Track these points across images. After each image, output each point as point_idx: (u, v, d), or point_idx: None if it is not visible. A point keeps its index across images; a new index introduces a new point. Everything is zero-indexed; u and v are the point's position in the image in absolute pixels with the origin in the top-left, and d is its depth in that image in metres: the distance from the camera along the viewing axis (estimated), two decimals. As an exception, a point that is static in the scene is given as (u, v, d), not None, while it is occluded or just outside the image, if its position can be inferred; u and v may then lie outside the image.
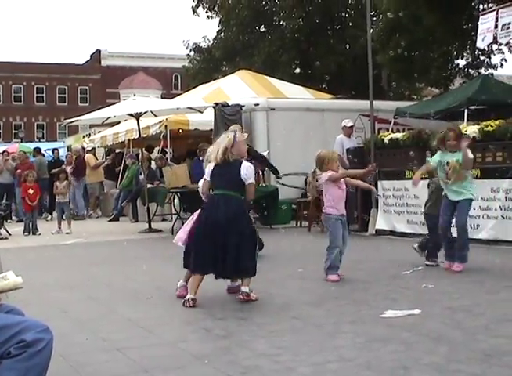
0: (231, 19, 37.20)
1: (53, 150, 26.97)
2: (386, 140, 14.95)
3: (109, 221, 21.64)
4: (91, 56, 77.02)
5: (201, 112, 18.40)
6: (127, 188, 21.43)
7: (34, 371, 3.79)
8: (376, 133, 16.28)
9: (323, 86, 35.25)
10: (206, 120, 19.08)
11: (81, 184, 23.26)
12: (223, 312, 7.18)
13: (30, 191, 17.92)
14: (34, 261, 12.44)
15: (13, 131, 68.29)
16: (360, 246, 12.16)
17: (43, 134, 65.70)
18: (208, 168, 8.00)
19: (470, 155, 9.41)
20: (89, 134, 31.46)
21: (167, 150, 22.42)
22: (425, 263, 9.86)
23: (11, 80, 70.27)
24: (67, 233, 17.39)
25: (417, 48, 27.67)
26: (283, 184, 17.14)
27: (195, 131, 20.87)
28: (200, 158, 17.72)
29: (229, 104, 18.39)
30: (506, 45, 26.17)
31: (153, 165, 21.28)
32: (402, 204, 14.09)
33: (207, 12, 38.34)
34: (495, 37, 14.70)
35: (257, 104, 19.00)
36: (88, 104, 68.31)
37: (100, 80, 73.06)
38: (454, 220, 9.58)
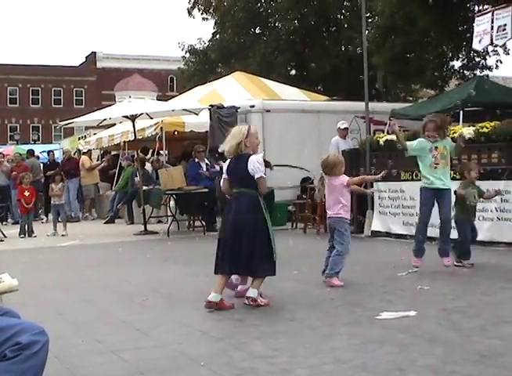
0: (226, 21, 37.25)
1: (48, 152, 26.92)
2: (381, 142, 14.95)
3: (105, 223, 21.62)
4: (86, 58, 77.06)
5: (197, 114, 18.39)
6: (122, 190, 21.42)
7: (29, 373, 3.79)
8: (372, 135, 16.29)
9: (319, 88, 35.27)
10: (201, 122, 19.06)
11: (74, 186, 23.18)
12: (219, 314, 7.18)
13: (26, 193, 17.91)
14: (30, 263, 12.43)
15: (9, 133, 68.22)
16: (355, 247, 12.08)
17: (38, 136, 65.69)
18: (225, 166, 7.88)
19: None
20: (85, 136, 31.41)
21: (162, 152, 22.38)
22: (454, 264, 9.91)
23: (6, 82, 70.25)
24: (63, 235, 17.36)
25: (412, 49, 27.73)
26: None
27: (190, 133, 20.84)
28: (196, 160, 17.76)
29: (225, 106, 18.39)
30: (501, 46, 26.20)
31: (148, 167, 21.23)
32: (397, 206, 14.09)
33: (202, 13, 38.43)
34: (491, 39, 14.72)
35: (253, 106, 18.98)
36: (83, 106, 68.31)
37: (95, 82, 73.06)
38: (439, 213, 9.72)
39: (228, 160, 7.80)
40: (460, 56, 30.08)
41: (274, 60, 35.20)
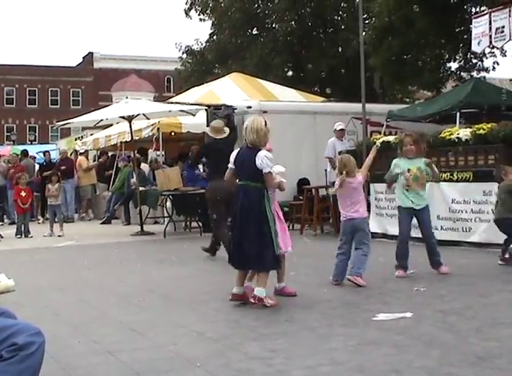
0: (223, 21, 37.24)
1: (44, 153, 26.86)
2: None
3: (102, 223, 21.62)
4: (83, 58, 77.03)
5: (193, 115, 18.39)
6: (119, 191, 21.41)
7: (26, 374, 3.79)
8: (369, 136, 16.28)
9: (315, 89, 35.27)
10: (198, 123, 19.06)
11: (71, 187, 23.15)
12: (215, 315, 7.18)
13: (23, 193, 17.90)
14: (27, 263, 12.41)
15: (5, 133, 68.14)
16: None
17: (35, 136, 65.68)
18: (232, 156, 7.90)
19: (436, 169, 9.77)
20: (81, 136, 31.35)
21: (158, 152, 22.36)
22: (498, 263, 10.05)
23: (3, 82, 70.21)
24: (59, 236, 17.36)
25: (409, 51, 27.72)
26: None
27: (187, 133, 20.84)
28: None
29: (222, 107, 18.37)
30: (499, 48, 26.22)
31: (145, 168, 21.20)
32: (394, 207, 14.04)
33: (199, 14, 38.41)
34: (490, 41, 14.74)
35: (250, 107, 18.95)
36: (80, 107, 68.25)
37: (92, 82, 73.02)
38: (420, 231, 9.78)
39: (236, 151, 7.82)
40: (457, 57, 30.05)
41: (271, 61, 35.20)
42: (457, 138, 12.87)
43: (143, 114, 18.25)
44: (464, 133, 12.76)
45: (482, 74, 30.91)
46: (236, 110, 17.97)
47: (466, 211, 12.21)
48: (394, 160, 9.76)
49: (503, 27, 14.17)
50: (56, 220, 18.04)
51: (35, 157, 26.84)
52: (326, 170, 16.33)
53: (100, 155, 26.34)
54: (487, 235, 11.81)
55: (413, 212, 9.57)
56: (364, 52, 16.41)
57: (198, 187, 16.80)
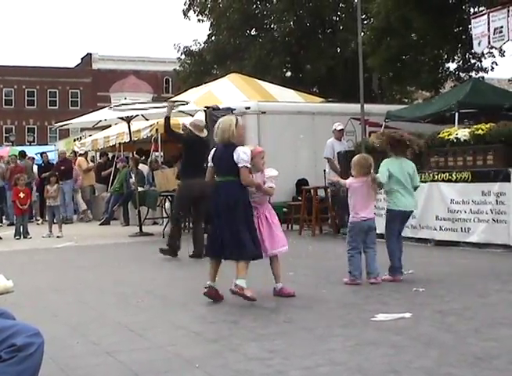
0: (222, 22, 37.24)
1: (41, 154, 26.80)
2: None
3: (100, 224, 21.61)
4: (82, 59, 77.00)
5: (192, 115, 18.38)
6: (118, 192, 21.40)
7: (25, 375, 3.79)
8: (367, 136, 16.28)
9: (314, 90, 35.27)
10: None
11: (69, 188, 23.11)
12: (214, 316, 7.18)
13: (21, 195, 17.88)
14: (25, 264, 12.41)
15: (4, 134, 68.06)
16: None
17: (34, 137, 65.63)
18: (210, 154, 8.09)
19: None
20: (80, 137, 31.39)
21: (157, 153, 22.37)
22: None
23: (1, 83, 70.15)
24: (58, 237, 17.35)
25: (408, 51, 27.74)
26: None
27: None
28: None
29: (220, 108, 18.38)
30: (498, 49, 26.23)
31: (144, 168, 21.19)
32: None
33: (198, 15, 38.40)
34: (489, 42, 14.74)
35: (248, 107, 18.97)
36: (79, 108, 68.19)
37: (91, 83, 72.97)
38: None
39: (214, 149, 7.95)
40: (456, 57, 30.08)
41: (269, 62, 35.20)
42: (456, 138, 12.87)
43: (142, 115, 18.25)
44: (463, 133, 12.76)
45: (481, 74, 30.92)
46: (234, 111, 17.98)
47: (465, 212, 12.20)
48: (384, 162, 9.54)
49: (502, 27, 14.18)
50: (55, 221, 18.04)
51: (34, 159, 26.80)
52: (324, 170, 16.34)
53: (100, 156, 26.35)
54: (486, 235, 11.81)
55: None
56: (362, 52, 16.40)
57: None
